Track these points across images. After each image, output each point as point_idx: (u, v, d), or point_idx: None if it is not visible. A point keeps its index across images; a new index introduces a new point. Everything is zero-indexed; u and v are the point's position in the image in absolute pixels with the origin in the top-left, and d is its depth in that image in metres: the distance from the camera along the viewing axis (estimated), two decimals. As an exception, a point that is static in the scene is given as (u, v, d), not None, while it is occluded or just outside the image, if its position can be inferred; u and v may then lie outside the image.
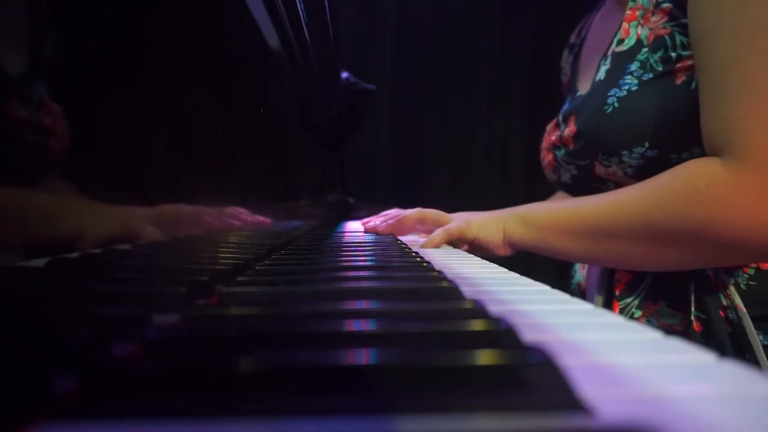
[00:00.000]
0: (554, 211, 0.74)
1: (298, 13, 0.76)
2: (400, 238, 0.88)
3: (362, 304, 0.29)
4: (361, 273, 0.43)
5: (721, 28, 0.60)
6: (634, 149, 0.71)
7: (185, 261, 0.44)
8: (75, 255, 0.32)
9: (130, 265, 0.37)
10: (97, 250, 0.34)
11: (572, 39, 1.01)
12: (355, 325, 0.23)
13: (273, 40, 0.72)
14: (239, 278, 0.38)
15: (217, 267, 0.39)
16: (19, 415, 0.15)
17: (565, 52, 1.03)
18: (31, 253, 0.29)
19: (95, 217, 0.34)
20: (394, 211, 0.98)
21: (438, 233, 0.77)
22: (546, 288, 0.40)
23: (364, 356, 0.17)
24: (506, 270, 0.51)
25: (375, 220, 0.98)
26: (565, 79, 1.02)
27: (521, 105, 2.11)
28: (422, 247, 0.75)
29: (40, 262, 0.29)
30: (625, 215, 0.66)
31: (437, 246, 0.76)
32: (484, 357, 0.17)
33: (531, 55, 2.11)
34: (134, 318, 0.24)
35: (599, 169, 0.77)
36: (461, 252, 0.74)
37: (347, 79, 1.48)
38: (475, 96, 2.11)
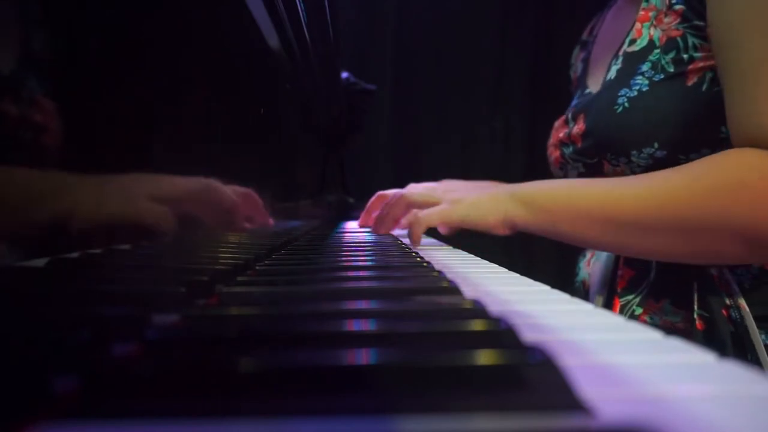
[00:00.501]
0: (567, 193, 0.68)
1: (298, 13, 0.76)
2: (396, 231, 0.88)
3: (362, 304, 0.29)
4: (361, 273, 0.43)
5: (753, 21, 0.59)
6: (643, 149, 0.71)
7: (185, 261, 0.44)
8: (75, 255, 0.32)
9: (130, 265, 0.37)
10: (97, 250, 0.34)
11: (584, 36, 1.01)
12: (355, 325, 0.23)
13: (273, 40, 0.72)
14: (239, 278, 0.38)
15: (217, 267, 0.39)
16: (19, 415, 0.15)
17: (576, 49, 1.02)
18: (31, 253, 0.29)
19: (89, 196, 0.33)
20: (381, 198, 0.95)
21: (416, 228, 0.75)
22: (546, 288, 0.40)
23: (364, 356, 0.17)
24: (506, 270, 0.51)
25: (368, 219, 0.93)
26: (574, 75, 1.02)
27: (521, 105, 2.11)
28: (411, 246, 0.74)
29: (40, 262, 0.29)
30: (655, 205, 0.61)
31: (419, 237, 0.75)
32: (484, 357, 0.17)
33: (531, 55, 2.11)
34: (134, 318, 0.24)
35: (608, 168, 0.77)
36: (461, 252, 0.74)
37: (347, 79, 1.48)
38: (475, 96, 2.11)
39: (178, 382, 0.17)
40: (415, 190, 0.86)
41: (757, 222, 0.57)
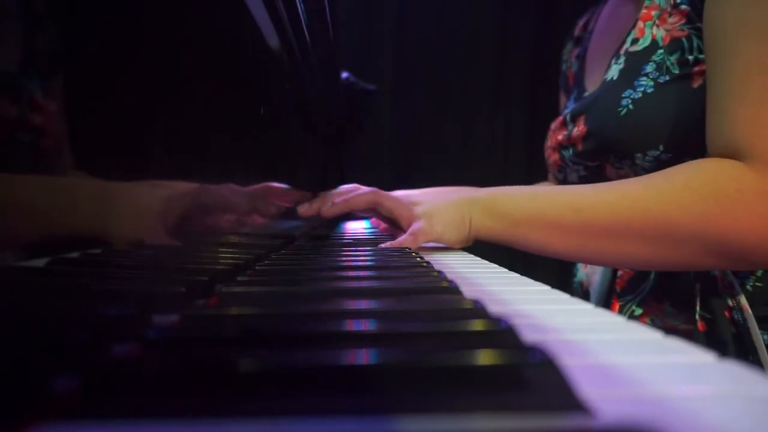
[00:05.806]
0: (535, 201, 0.65)
1: (298, 13, 0.76)
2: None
3: (362, 304, 0.29)
4: (361, 273, 0.43)
5: (744, 31, 0.58)
6: (647, 152, 0.70)
7: (185, 261, 0.44)
8: (75, 255, 0.32)
9: (130, 265, 0.37)
10: (97, 250, 0.34)
11: (577, 32, 0.99)
12: (355, 325, 0.23)
13: (273, 40, 0.71)
14: (239, 278, 0.38)
15: (217, 267, 0.39)
16: (19, 415, 0.15)
17: (569, 44, 1.00)
18: (31, 253, 0.29)
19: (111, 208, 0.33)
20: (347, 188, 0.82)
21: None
22: (546, 288, 0.40)
23: (364, 356, 0.17)
24: (506, 270, 0.51)
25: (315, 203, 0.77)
26: (568, 71, 1.00)
27: (521, 105, 2.11)
28: None
29: (40, 262, 0.29)
30: (635, 215, 0.59)
31: None
32: (485, 357, 0.17)
33: (531, 55, 2.11)
34: (134, 318, 0.24)
35: (610, 171, 0.76)
36: (461, 252, 0.74)
37: (347, 79, 1.48)
38: (475, 96, 2.11)
39: (178, 382, 0.17)
40: (384, 198, 0.74)
41: (731, 233, 0.56)
